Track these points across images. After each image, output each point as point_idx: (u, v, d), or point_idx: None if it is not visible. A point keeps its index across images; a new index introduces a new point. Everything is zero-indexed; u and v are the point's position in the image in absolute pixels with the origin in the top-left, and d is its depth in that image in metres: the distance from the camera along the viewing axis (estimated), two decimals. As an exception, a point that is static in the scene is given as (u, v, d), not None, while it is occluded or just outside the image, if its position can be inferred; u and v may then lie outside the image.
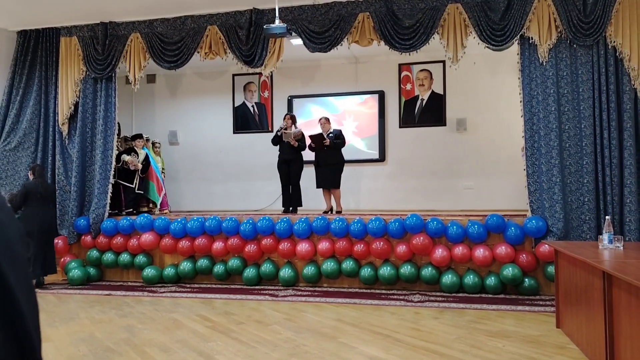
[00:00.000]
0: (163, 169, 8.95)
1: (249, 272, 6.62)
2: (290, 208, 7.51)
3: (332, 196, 7.52)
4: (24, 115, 7.63)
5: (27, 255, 0.47)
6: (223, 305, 5.69)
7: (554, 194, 5.96)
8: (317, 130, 7.72)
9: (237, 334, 4.50)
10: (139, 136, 8.17)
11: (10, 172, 7.49)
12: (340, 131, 7.61)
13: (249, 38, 6.94)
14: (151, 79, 10.17)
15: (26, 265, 0.44)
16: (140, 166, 7.87)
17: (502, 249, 5.93)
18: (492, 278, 5.92)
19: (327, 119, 7.71)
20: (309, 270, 6.44)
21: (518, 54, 6.30)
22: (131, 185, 7.81)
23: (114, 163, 7.38)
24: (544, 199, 6.05)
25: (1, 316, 0.39)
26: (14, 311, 0.40)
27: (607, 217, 4.23)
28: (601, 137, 5.92)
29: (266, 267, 6.58)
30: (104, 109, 7.42)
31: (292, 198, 7.53)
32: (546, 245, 5.68)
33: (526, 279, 5.87)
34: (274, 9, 6.44)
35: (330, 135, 7.46)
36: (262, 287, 6.56)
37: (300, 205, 7.57)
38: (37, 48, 7.72)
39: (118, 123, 7.79)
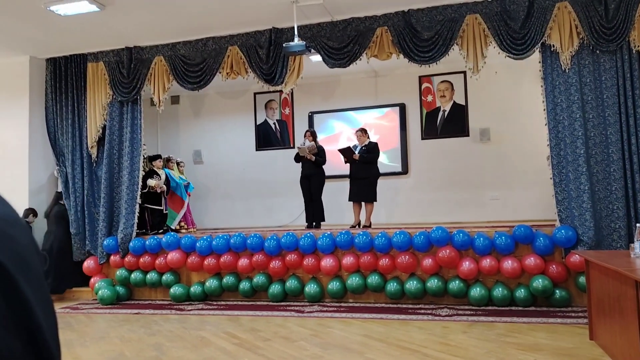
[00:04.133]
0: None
1: (275, 288, 6.62)
2: (314, 223, 7.50)
3: (361, 210, 7.42)
4: (64, 140, 7.90)
5: (44, 269, 0.49)
6: (249, 322, 5.70)
7: (582, 203, 5.84)
8: (344, 143, 7.68)
9: (264, 351, 4.49)
10: (158, 157, 8.30)
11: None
12: (375, 144, 7.42)
13: (269, 57, 7.04)
14: (175, 100, 10.39)
15: (42, 278, 0.47)
16: (165, 188, 8.00)
17: (531, 260, 5.81)
18: (522, 290, 5.80)
19: (364, 131, 7.53)
20: (334, 285, 6.42)
21: (540, 62, 6.24)
22: (160, 208, 7.94)
23: (140, 183, 7.52)
24: (572, 207, 5.92)
25: (20, 328, 0.41)
26: (32, 323, 0.42)
27: (637, 224, 4.12)
28: (629, 144, 5.79)
29: (291, 283, 6.58)
30: (130, 131, 7.60)
31: (314, 213, 7.52)
32: (577, 255, 5.54)
33: (557, 291, 5.73)
34: (293, 28, 6.53)
35: (363, 148, 7.39)
36: (287, 303, 6.55)
37: (323, 220, 7.55)
38: (67, 74, 7.99)
39: (143, 144, 7.98)
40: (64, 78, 7.99)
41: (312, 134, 7.71)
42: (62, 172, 7.88)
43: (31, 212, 7.64)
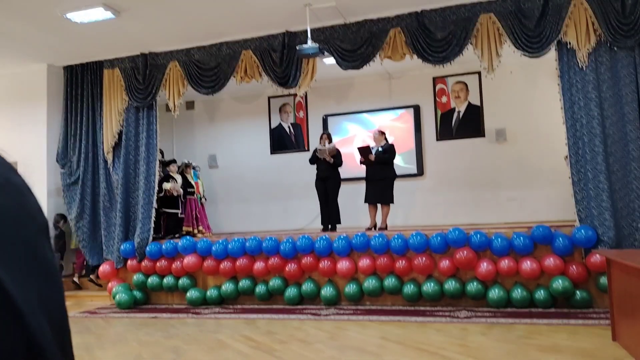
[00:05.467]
0: (204, 192, 9.12)
1: (291, 291, 6.60)
2: (329, 226, 7.48)
3: (377, 212, 7.37)
4: (78, 146, 7.99)
5: (40, 236, 0.41)
6: (266, 325, 5.69)
7: (602, 202, 5.73)
8: (359, 143, 7.65)
9: (281, 353, 4.48)
10: (173, 161, 8.37)
11: (67, 200, 7.87)
12: (391, 145, 7.36)
13: (282, 60, 7.05)
14: (190, 105, 10.47)
15: (31, 266, 0.39)
16: (181, 191, 8.05)
17: (551, 261, 5.71)
18: (542, 291, 5.70)
19: (381, 132, 7.51)
20: (350, 288, 6.38)
21: (556, 59, 6.16)
22: (176, 211, 7.99)
23: (156, 188, 7.58)
24: (592, 207, 5.82)
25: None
26: (8, 307, 0.35)
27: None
28: (649, 141, 5.68)
29: (307, 286, 6.56)
30: (146, 136, 7.66)
31: (330, 216, 7.49)
32: (597, 256, 5.44)
33: (577, 292, 5.63)
34: (306, 31, 6.54)
35: (380, 149, 7.33)
36: (304, 306, 6.53)
37: (339, 223, 7.52)
38: (83, 81, 8.10)
39: (161, 150, 8.04)
40: (80, 85, 8.10)
41: (328, 136, 7.70)
42: (64, 176, 7.95)
43: (62, 218, 7.82)
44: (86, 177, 7.92)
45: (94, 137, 8.01)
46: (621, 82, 5.84)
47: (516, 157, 8.54)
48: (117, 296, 7.11)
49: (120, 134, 7.82)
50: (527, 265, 5.75)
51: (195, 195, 8.47)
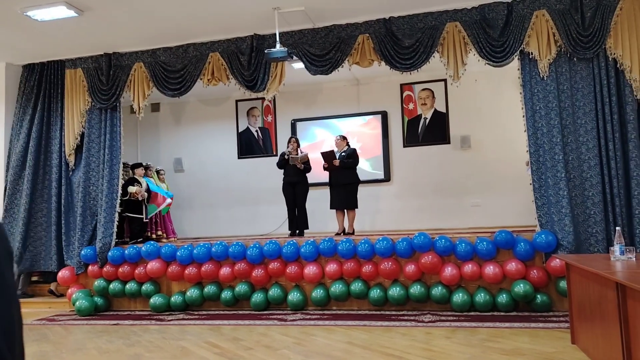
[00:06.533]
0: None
1: (257, 297, 6.54)
2: (297, 231, 7.45)
3: (345, 217, 7.41)
4: (27, 147, 7.69)
5: (10, 277, 0.43)
6: (231, 331, 5.61)
7: (562, 208, 5.90)
8: (327, 149, 7.67)
9: (246, 360, 4.42)
10: (139, 165, 8.20)
11: (9, 206, 7.57)
12: (354, 150, 7.43)
13: (250, 63, 7.01)
14: (155, 107, 10.29)
15: None
16: (146, 195, 7.88)
17: (513, 265, 5.84)
18: (504, 295, 5.82)
19: (343, 137, 7.59)
20: (317, 293, 6.37)
21: (519, 69, 6.33)
22: (140, 216, 7.81)
23: (120, 192, 7.39)
24: (552, 212, 5.98)
25: None
26: None
27: (617, 228, 4.17)
28: (606, 149, 5.88)
29: (274, 292, 6.52)
30: (109, 138, 7.47)
31: (298, 221, 7.47)
32: (557, 260, 5.59)
33: (538, 295, 5.77)
34: (275, 34, 6.53)
35: (343, 154, 7.39)
36: (270, 311, 6.48)
37: (307, 228, 7.50)
38: (42, 81, 7.83)
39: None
40: (41, 84, 7.84)
41: (296, 140, 7.68)
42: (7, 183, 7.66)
43: None
44: (37, 181, 7.62)
45: (47, 138, 7.73)
46: (579, 93, 6.04)
47: (480, 163, 8.73)
48: (77, 302, 6.89)
49: (82, 135, 7.61)
50: (490, 269, 5.86)
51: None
